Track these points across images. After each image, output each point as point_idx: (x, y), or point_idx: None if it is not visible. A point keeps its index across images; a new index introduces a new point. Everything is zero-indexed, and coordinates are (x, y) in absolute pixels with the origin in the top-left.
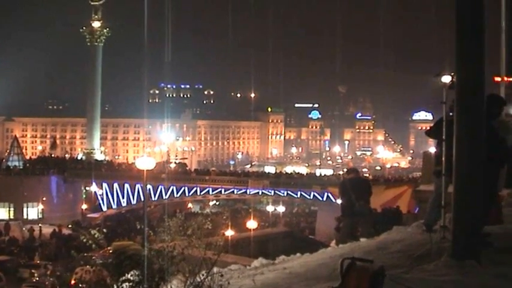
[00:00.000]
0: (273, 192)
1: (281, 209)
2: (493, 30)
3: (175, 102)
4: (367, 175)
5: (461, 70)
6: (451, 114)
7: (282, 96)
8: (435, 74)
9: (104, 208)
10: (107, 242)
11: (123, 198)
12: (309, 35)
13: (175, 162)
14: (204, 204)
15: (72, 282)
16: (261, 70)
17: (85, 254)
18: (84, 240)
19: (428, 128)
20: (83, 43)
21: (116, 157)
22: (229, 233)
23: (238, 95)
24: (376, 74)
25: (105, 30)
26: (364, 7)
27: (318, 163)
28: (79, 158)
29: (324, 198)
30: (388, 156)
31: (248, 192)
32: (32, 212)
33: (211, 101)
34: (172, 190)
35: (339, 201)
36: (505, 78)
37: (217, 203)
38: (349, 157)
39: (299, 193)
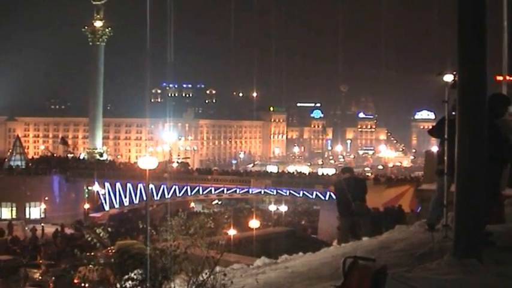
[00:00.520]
0: (275, 191)
1: (283, 208)
2: (495, 29)
3: (177, 102)
4: (369, 174)
5: (464, 69)
6: (453, 113)
7: (284, 95)
8: (437, 73)
9: (107, 208)
10: (110, 241)
11: (125, 197)
12: (311, 34)
13: (177, 162)
14: (207, 203)
15: (75, 281)
16: (263, 69)
17: (88, 254)
18: (89, 239)
19: (430, 127)
20: (85, 43)
21: (118, 157)
22: (232, 232)
23: (241, 94)
24: (378, 73)
25: (107, 30)
26: (366, 6)
27: (320, 162)
28: (81, 157)
29: (327, 198)
30: (390, 155)
31: (250, 192)
32: (34, 211)
33: (213, 101)
34: (175, 189)
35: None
36: (507, 77)
37: (220, 202)
38: (351, 156)
39: (301, 192)
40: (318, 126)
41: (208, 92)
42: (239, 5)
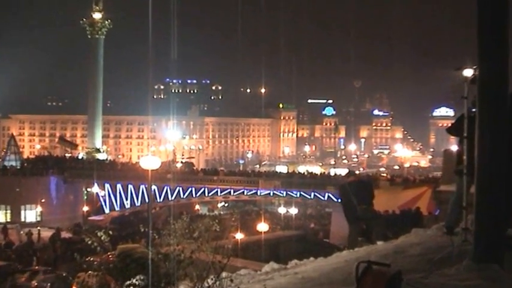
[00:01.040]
0: (285, 193)
1: (293, 210)
2: None
3: (182, 98)
4: (385, 175)
5: (484, 63)
6: (473, 110)
7: (294, 91)
8: (456, 67)
9: (107, 210)
10: (111, 245)
11: (126, 199)
12: (323, 27)
13: (181, 162)
14: (213, 205)
15: (74, 287)
16: (272, 64)
17: (87, 259)
18: (90, 242)
19: (449, 124)
20: (83, 36)
21: (119, 156)
22: (239, 236)
23: (248, 91)
24: (393, 68)
25: (106, 22)
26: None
27: (333, 162)
28: (80, 157)
29: (339, 200)
30: (406, 154)
31: (259, 193)
32: (30, 214)
33: (219, 97)
34: (179, 191)
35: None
36: None
37: (226, 205)
38: (366, 156)
39: (312, 194)
40: (330, 124)
41: (214, 88)
42: None
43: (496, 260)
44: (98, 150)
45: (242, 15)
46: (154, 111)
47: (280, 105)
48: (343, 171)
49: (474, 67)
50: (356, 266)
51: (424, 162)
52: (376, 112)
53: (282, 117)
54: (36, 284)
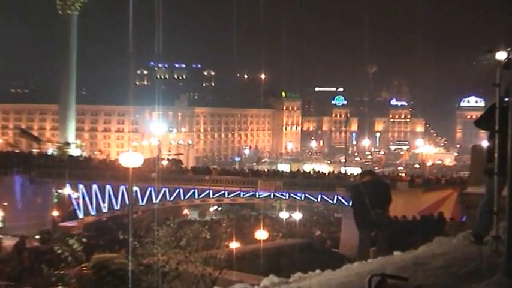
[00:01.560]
0: (287, 195)
1: (297, 215)
2: None
3: (169, 86)
4: (403, 175)
5: None
6: (506, 99)
7: (299, 78)
8: (487, 49)
9: (81, 215)
10: (85, 255)
11: (103, 202)
12: (333, 5)
13: (168, 159)
14: (204, 210)
15: None
16: (274, 46)
17: (57, 271)
18: (60, 252)
19: (478, 116)
20: (53, 12)
21: (95, 152)
22: (234, 245)
23: (246, 77)
24: (413, 51)
25: None
26: None
27: (343, 160)
28: (49, 153)
29: (350, 203)
30: (429, 151)
31: (257, 196)
32: None
33: (212, 84)
34: (165, 193)
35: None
36: None
37: (220, 209)
38: (381, 152)
39: (319, 196)
40: (341, 116)
41: (205, 73)
42: None
43: None
44: (68, 144)
45: None
46: (136, 100)
47: (283, 94)
48: (355, 171)
49: (508, 49)
50: (368, 279)
51: (449, 160)
52: (393, 102)
53: (284, 108)
54: None
